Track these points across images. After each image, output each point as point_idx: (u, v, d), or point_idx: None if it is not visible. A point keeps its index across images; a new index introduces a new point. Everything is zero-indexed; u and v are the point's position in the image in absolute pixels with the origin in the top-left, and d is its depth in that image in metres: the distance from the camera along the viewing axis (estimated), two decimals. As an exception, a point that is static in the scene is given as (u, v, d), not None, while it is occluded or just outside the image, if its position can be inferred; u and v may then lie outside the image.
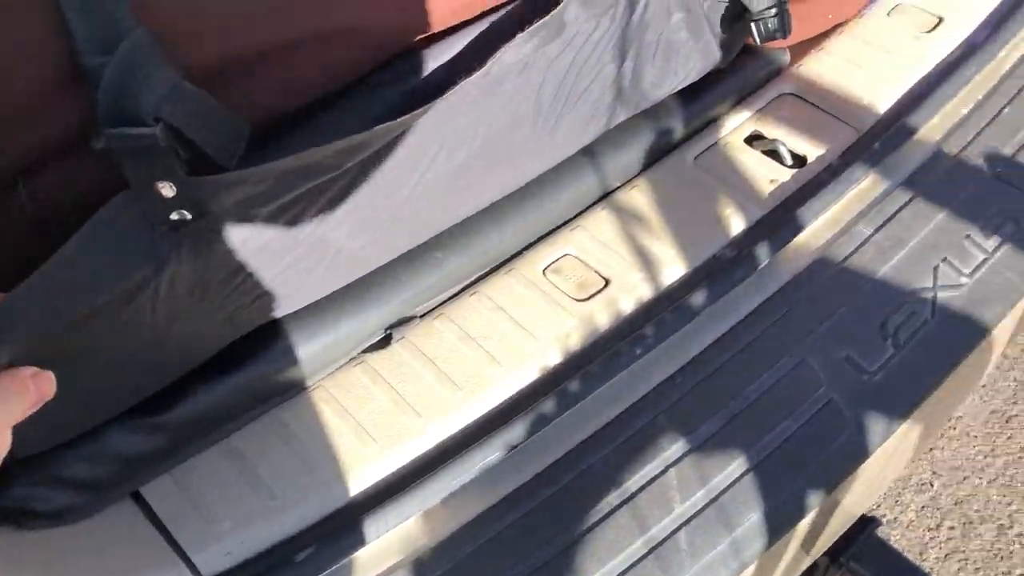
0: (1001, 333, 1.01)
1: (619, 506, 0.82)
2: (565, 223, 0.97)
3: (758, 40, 0.93)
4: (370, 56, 0.71)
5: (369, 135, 0.61)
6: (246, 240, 0.64)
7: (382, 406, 0.83)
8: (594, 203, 0.99)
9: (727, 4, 0.90)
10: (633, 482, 0.83)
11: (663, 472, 0.84)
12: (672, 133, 1.02)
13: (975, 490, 1.78)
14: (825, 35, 1.12)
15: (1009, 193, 1.02)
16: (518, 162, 0.84)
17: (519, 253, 0.95)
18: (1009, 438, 1.84)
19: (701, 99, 1.04)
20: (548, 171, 0.94)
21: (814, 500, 0.85)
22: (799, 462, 0.85)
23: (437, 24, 0.72)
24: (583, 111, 0.85)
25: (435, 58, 0.73)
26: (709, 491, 0.83)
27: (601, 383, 0.84)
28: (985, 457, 1.82)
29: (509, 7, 0.76)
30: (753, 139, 1.05)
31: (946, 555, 1.71)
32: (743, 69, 1.06)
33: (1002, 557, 1.70)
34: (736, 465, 0.84)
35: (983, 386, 1.91)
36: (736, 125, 1.06)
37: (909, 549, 1.73)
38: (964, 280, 0.96)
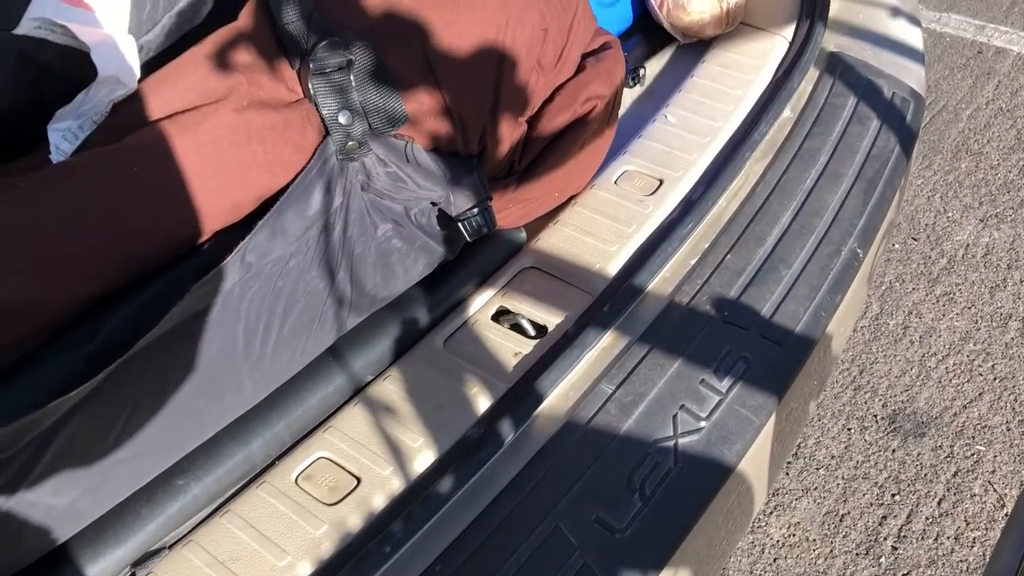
0: (753, 464, 1.08)
1: None
2: (319, 425, 1.00)
3: (468, 237, 1.00)
4: (43, 328, 0.74)
5: (34, 417, 0.63)
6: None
7: (125, 652, 0.81)
8: (348, 399, 1.02)
9: (436, 209, 0.98)
10: None
11: (423, 669, 0.84)
12: (419, 321, 1.07)
13: (820, 594, 1.83)
14: (560, 208, 1.22)
15: (738, 334, 1.11)
16: (244, 386, 0.87)
17: (273, 463, 0.96)
18: (845, 536, 1.91)
19: (444, 286, 1.10)
20: (293, 378, 0.97)
21: (577, 670, 0.87)
22: (557, 634, 0.88)
23: (111, 286, 0.76)
24: (302, 327, 0.89)
25: (116, 317, 0.76)
26: None
27: (351, 589, 0.85)
28: (825, 560, 1.87)
29: (191, 259, 0.80)
30: (499, 315, 1.12)
31: (802, 666, 1.73)
32: (482, 252, 1.13)
33: (853, 659, 1.73)
34: (496, 649, 0.86)
35: (815, 489, 1.99)
36: (482, 304, 1.12)
37: (767, 666, 1.74)
38: (703, 424, 1.03)
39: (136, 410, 0.76)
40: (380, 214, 0.92)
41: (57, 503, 0.75)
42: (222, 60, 0.83)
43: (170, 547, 0.89)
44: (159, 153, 0.76)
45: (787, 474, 2.00)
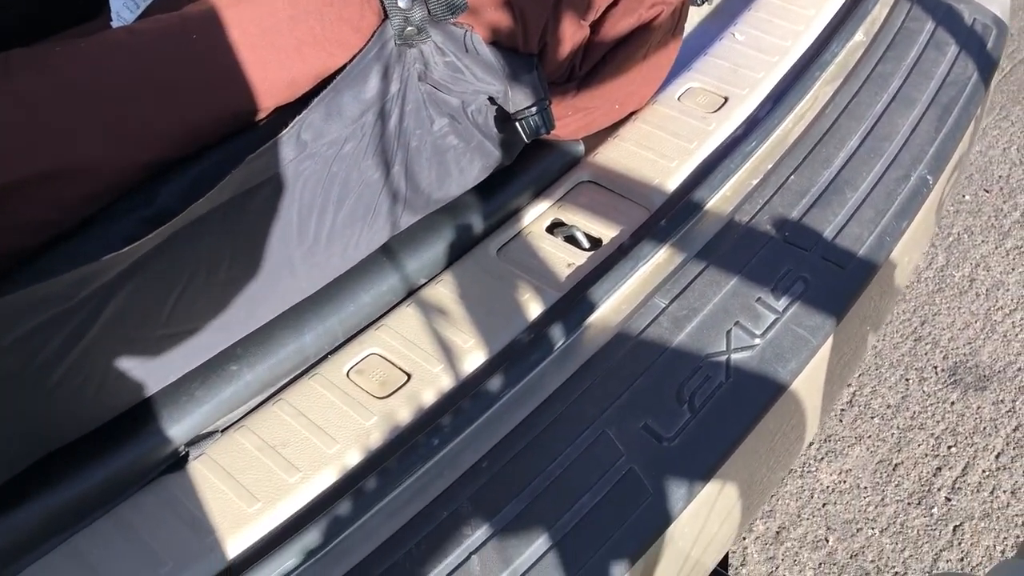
0: (806, 386, 1.06)
1: (421, 600, 0.83)
2: (372, 323, 1.00)
3: (525, 137, 0.99)
4: (102, 191, 0.75)
5: (96, 266, 0.64)
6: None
7: (175, 529, 0.83)
8: (401, 301, 1.02)
9: (494, 108, 0.97)
10: (436, 573, 0.84)
11: (466, 560, 0.85)
12: (473, 228, 1.07)
13: (869, 541, 1.81)
14: (620, 123, 1.20)
15: (798, 255, 1.08)
16: (297, 272, 0.88)
17: (325, 357, 0.97)
18: (897, 486, 1.88)
19: (500, 194, 1.09)
20: (347, 275, 0.98)
21: (619, 570, 0.87)
22: (600, 534, 0.87)
23: (168, 154, 0.77)
24: (356, 218, 0.89)
25: (172, 186, 0.77)
26: (512, 573, 0.85)
27: (399, 477, 0.86)
28: (875, 507, 1.85)
29: (247, 134, 0.80)
30: (554, 227, 1.11)
31: (846, 611, 1.72)
32: (539, 162, 1.12)
33: (899, 606, 1.72)
34: (539, 544, 0.86)
35: (868, 437, 1.96)
36: (538, 215, 1.11)
37: (810, 609, 1.73)
38: (757, 341, 1.01)
39: (190, 283, 0.77)
40: (437, 107, 0.91)
41: (113, 368, 0.76)
42: (284, -65, 0.83)
43: (223, 431, 0.91)
44: (218, 21, 0.76)
45: (840, 421, 1.97)
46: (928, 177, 1.17)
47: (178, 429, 0.87)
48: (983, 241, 2.27)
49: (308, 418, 0.91)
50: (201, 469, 0.88)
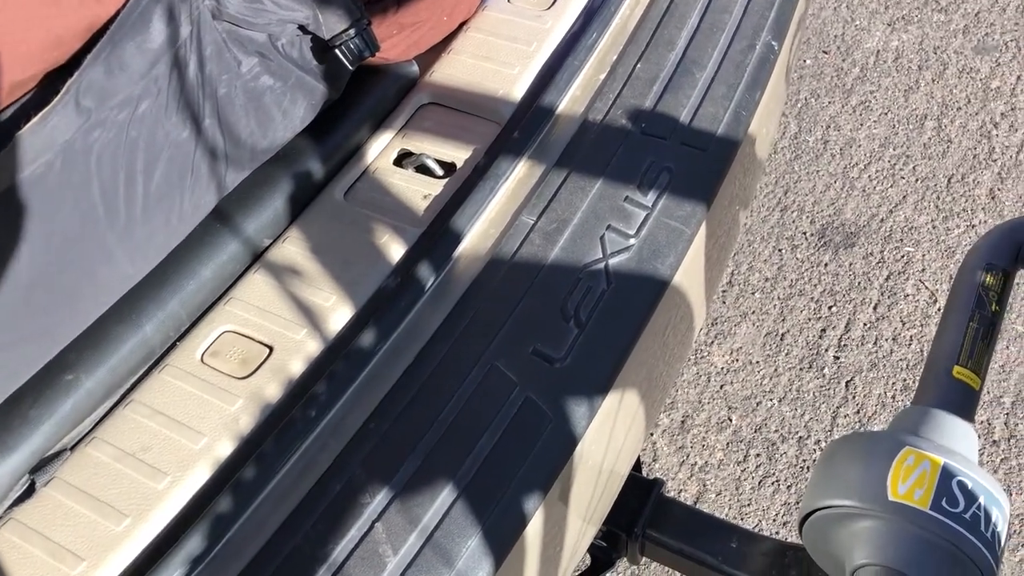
0: (688, 276, 1.03)
1: (328, 582, 0.76)
2: (219, 298, 0.91)
3: (349, 65, 0.90)
4: None
5: None
6: None
7: (38, 563, 0.74)
8: (247, 268, 0.93)
9: (307, 37, 0.87)
10: (340, 550, 0.78)
11: (370, 529, 0.79)
12: (313, 175, 0.98)
13: (769, 412, 1.85)
14: (452, 36, 1.11)
15: (658, 145, 1.04)
16: (115, 258, 0.77)
17: (173, 345, 0.88)
18: (787, 354, 1.92)
19: (336, 133, 1.00)
20: (180, 249, 0.88)
21: (533, 503, 0.82)
22: (507, 471, 0.83)
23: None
24: (173, 185, 0.79)
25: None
26: (422, 532, 0.79)
27: (279, 459, 0.79)
28: (770, 379, 1.89)
29: (14, 109, 0.69)
30: (401, 158, 1.03)
31: (759, 482, 1.76)
32: (373, 91, 1.03)
33: (807, 467, 1.77)
34: (444, 496, 0.81)
35: (752, 313, 1.99)
36: (381, 148, 1.03)
37: (725, 488, 1.77)
38: (632, 241, 0.97)
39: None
40: (241, 47, 0.80)
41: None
42: None
43: (71, 448, 0.81)
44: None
45: (723, 302, 1.99)
46: (773, 43, 1.15)
47: (15, 458, 0.76)
48: (830, 102, 2.31)
49: (166, 415, 0.82)
50: (54, 495, 0.78)
